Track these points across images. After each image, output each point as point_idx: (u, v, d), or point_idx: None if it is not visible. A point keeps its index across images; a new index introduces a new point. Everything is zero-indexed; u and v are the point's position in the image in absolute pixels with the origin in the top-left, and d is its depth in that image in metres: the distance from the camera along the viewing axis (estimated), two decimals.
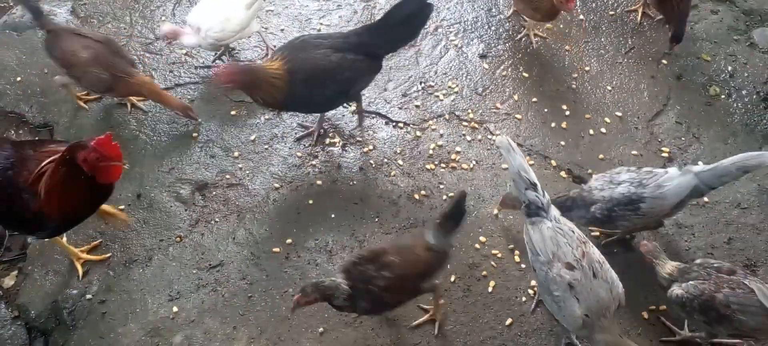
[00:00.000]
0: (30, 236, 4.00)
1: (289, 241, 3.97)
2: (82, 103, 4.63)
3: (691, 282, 3.23)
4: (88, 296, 3.76)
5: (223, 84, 3.88)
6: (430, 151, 4.41)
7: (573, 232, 3.22)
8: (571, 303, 3.08)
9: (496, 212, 4.08)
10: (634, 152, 4.40)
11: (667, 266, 3.37)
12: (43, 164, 3.26)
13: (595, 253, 3.18)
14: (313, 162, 4.36)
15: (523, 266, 3.84)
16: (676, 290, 3.25)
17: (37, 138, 4.48)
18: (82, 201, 3.39)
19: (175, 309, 3.69)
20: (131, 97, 4.58)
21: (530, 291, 3.73)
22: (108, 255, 3.91)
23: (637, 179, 3.54)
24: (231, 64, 3.74)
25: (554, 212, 3.31)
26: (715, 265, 3.30)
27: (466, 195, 3.34)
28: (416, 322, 3.59)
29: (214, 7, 4.53)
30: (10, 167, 3.29)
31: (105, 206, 3.76)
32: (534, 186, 3.27)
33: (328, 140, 4.48)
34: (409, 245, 3.36)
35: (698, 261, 3.36)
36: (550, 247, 3.17)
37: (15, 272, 4.01)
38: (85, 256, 3.88)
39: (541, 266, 3.21)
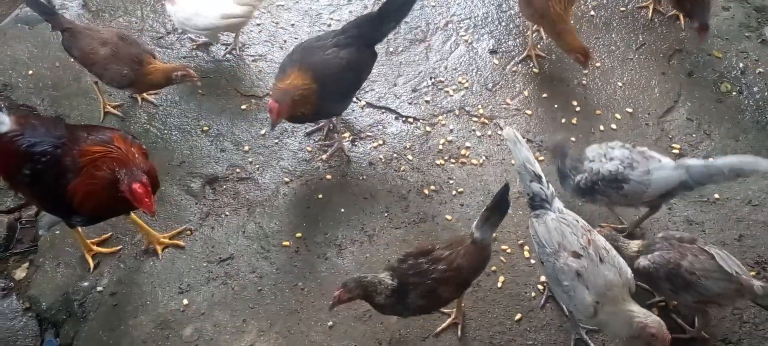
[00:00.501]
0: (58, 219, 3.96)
1: (298, 235, 3.98)
2: (113, 110, 4.61)
3: (656, 253, 3.27)
4: (99, 289, 3.78)
5: (279, 119, 3.84)
6: (440, 147, 4.41)
7: (577, 221, 3.24)
8: (580, 291, 3.07)
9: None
10: (644, 148, 4.38)
11: (632, 245, 3.40)
12: (89, 154, 3.29)
13: (601, 240, 3.19)
14: (323, 156, 4.36)
15: (532, 261, 3.84)
16: (643, 261, 3.28)
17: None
18: (112, 209, 3.48)
19: (185, 302, 3.71)
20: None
21: (540, 286, 3.73)
22: (119, 248, 3.93)
23: (628, 158, 3.54)
24: (274, 100, 3.71)
25: (558, 203, 3.32)
26: (677, 236, 3.35)
27: (509, 187, 3.31)
28: (439, 328, 3.58)
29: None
30: (60, 146, 3.32)
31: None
32: (538, 178, 3.29)
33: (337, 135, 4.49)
34: (455, 240, 3.34)
35: (660, 234, 3.39)
36: (555, 238, 3.19)
37: (26, 264, 4.04)
38: (96, 249, 3.90)
39: (548, 257, 3.22)
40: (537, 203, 3.32)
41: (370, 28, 4.13)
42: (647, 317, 2.99)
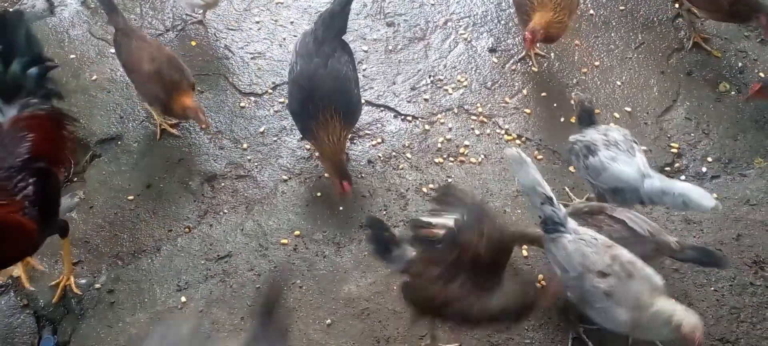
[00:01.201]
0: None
1: (297, 233, 3.98)
2: (170, 129, 4.48)
3: None
4: (97, 286, 3.79)
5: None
6: (439, 145, 4.41)
7: (596, 239, 3.12)
8: (613, 311, 3.01)
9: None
10: (643, 148, 4.37)
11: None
12: None
13: (624, 253, 3.07)
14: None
15: (530, 260, 3.84)
16: None
17: None
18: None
19: (183, 299, 3.71)
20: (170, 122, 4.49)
21: (538, 285, 3.72)
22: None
23: (614, 140, 3.57)
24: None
25: (572, 223, 3.20)
26: (585, 209, 3.40)
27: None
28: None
29: None
30: None
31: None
32: (550, 200, 3.14)
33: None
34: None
35: (568, 210, 3.36)
36: (576, 260, 3.08)
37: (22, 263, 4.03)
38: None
39: (573, 281, 3.13)
40: (550, 227, 3.19)
41: (338, 20, 4.12)
42: (684, 317, 2.89)
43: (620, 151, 3.52)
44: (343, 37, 4.17)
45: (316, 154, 4.22)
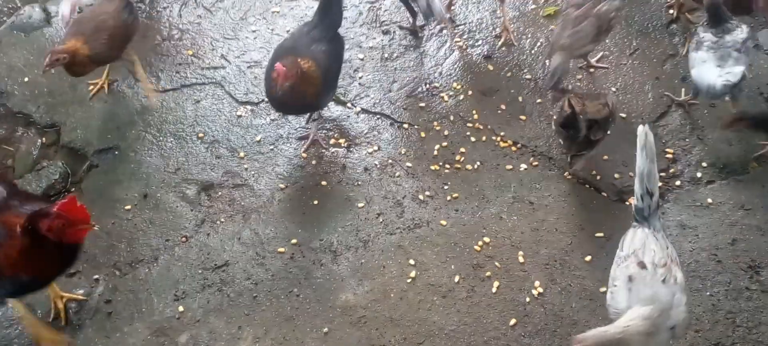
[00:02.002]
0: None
1: (294, 241, 3.99)
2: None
3: None
4: (95, 296, 3.79)
5: (286, 82, 3.91)
6: (435, 152, 4.43)
7: (667, 247, 3.15)
8: (620, 295, 3.02)
9: None
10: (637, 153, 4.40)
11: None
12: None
13: (678, 274, 3.05)
14: (302, 152, 4.43)
15: (526, 267, 3.85)
16: None
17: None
18: (51, 264, 3.17)
19: (180, 309, 3.72)
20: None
21: (534, 292, 3.73)
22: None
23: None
24: (282, 65, 3.87)
25: (658, 223, 3.26)
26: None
27: None
28: None
29: None
30: None
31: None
32: (650, 195, 3.21)
33: (333, 141, 4.50)
34: None
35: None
36: (635, 245, 3.15)
37: None
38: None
39: (618, 259, 3.19)
40: (638, 217, 3.26)
41: (335, 6, 4.34)
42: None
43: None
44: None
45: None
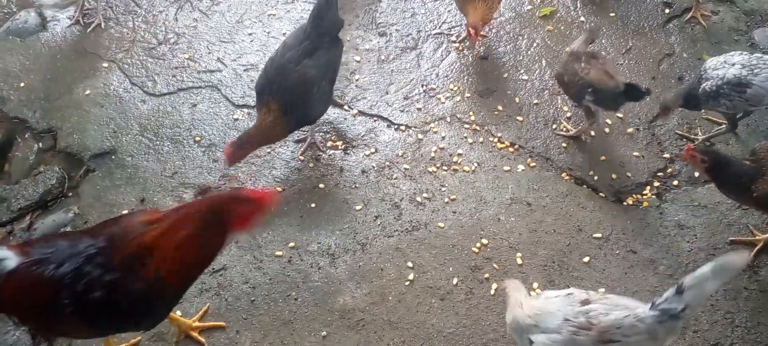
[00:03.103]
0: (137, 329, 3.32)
1: (291, 244, 3.98)
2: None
3: None
4: None
5: (234, 164, 4.13)
6: (432, 154, 4.43)
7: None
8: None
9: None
10: (635, 154, 4.41)
11: None
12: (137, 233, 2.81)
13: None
14: (299, 155, 4.41)
15: (525, 268, 3.85)
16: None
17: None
18: (208, 255, 2.98)
19: (178, 314, 3.71)
20: None
21: (532, 293, 3.73)
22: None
23: (749, 64, 3.94)
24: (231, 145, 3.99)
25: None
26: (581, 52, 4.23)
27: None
28: None
29: None
30: (100, 252, 2.77)
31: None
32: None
33: (330, 143, 4.50)
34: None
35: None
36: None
37: None
38: (198, 324, 3.66)
39: None
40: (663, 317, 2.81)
41: (330, 14, 4.21)
42: None
43: (760, 67, 3.97)
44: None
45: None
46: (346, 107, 4.71)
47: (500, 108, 4.68)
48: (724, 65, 3.98)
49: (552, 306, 2.94)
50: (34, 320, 2.92)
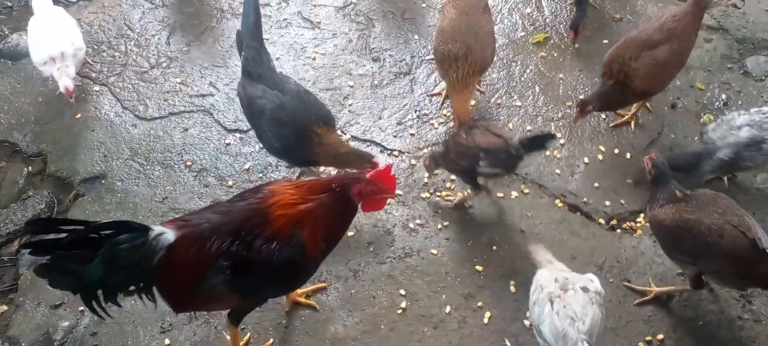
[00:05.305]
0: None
1: None
2: None
3: None
4: (80, 328, 3.72)
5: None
6: (425, 180, 4.40)
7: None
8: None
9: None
10: (628, 181, 4.40)
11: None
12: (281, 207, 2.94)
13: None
14: None
15: (518, 296, 3.81)
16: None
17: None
18: (340, 230, 3.17)
19: (167, 342, 3.65)
20: None
21: (526, 322, 3.69)
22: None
23: (755, 122, 3.96)
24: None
25: None
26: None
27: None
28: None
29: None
30: (254, 222, 2.92)
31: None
32: None
33: (322, 168, 4.47)
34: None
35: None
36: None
37: (5, 304, 3.96)
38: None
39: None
40: None
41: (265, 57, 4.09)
42: None
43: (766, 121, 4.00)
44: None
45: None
46: (339, 132, 4.68)
47: None
48: (732, 132, 3.99)
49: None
50: (183, 291, 2.99)
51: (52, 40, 4.56)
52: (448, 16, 4.45)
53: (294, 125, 3.85)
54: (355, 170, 3.53)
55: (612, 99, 4.37)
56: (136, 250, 2.79)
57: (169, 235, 2.86)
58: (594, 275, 3.36)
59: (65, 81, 4.51)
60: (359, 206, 3.08)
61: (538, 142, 3.86)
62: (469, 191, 4.17)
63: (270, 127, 3.89)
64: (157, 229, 2.86)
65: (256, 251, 2.86)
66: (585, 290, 3.17)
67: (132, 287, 2.91)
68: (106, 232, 2.76)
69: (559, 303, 3.11)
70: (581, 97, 4.39)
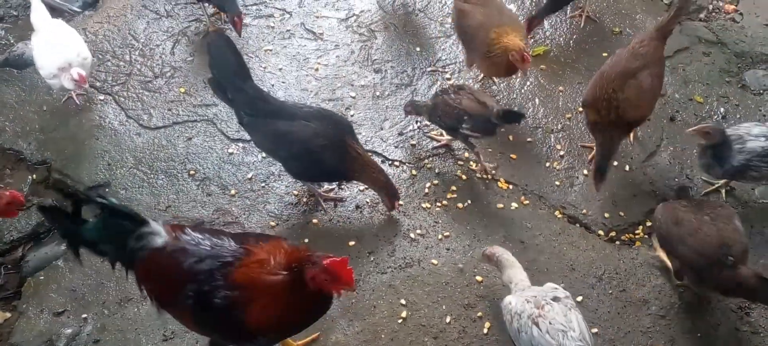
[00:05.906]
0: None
1: None
2: None
3: None
4: (83, 335, 3.75)
5: None
6: (426, 190, 4.44)
7: None
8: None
9: None
10: (627, 192, 4.43)
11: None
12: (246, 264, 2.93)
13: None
14: (309, 200, 4.39)
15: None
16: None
17: None
18: (300, 313, 3.02)
19: None
20: None
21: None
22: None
23: None
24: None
25: None
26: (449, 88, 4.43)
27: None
28: None
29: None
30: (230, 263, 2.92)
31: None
32: None
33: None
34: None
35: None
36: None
37: (9, 312, 3.99)
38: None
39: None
40: None
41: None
42: None
43: None
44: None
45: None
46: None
47: (494, 146, 4.71)
48: (750, 138, 4.07)
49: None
50: (155, 293, 3.10)
51: (59, 52, 4.61)
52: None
53: (332, 147, 4.01)
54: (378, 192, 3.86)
55: (615, 140, 4.20)
56: (124, 236, 3.00)
57: (160, 239, 2.98)
58: (553, 284, 3.50)
59: (75, 71, 4.58)
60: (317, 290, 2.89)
61: (512, 116, 4.22)
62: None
63: (309, 155, 4.01)
64: (152, 227, 3.00)
65: (221, 296, 2.86)
66: (556, 299, 3.27)
67: (118, 265, 3.14)
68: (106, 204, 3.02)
69: (544, 322, 3.17)
70: (587, 171, 4.52)
